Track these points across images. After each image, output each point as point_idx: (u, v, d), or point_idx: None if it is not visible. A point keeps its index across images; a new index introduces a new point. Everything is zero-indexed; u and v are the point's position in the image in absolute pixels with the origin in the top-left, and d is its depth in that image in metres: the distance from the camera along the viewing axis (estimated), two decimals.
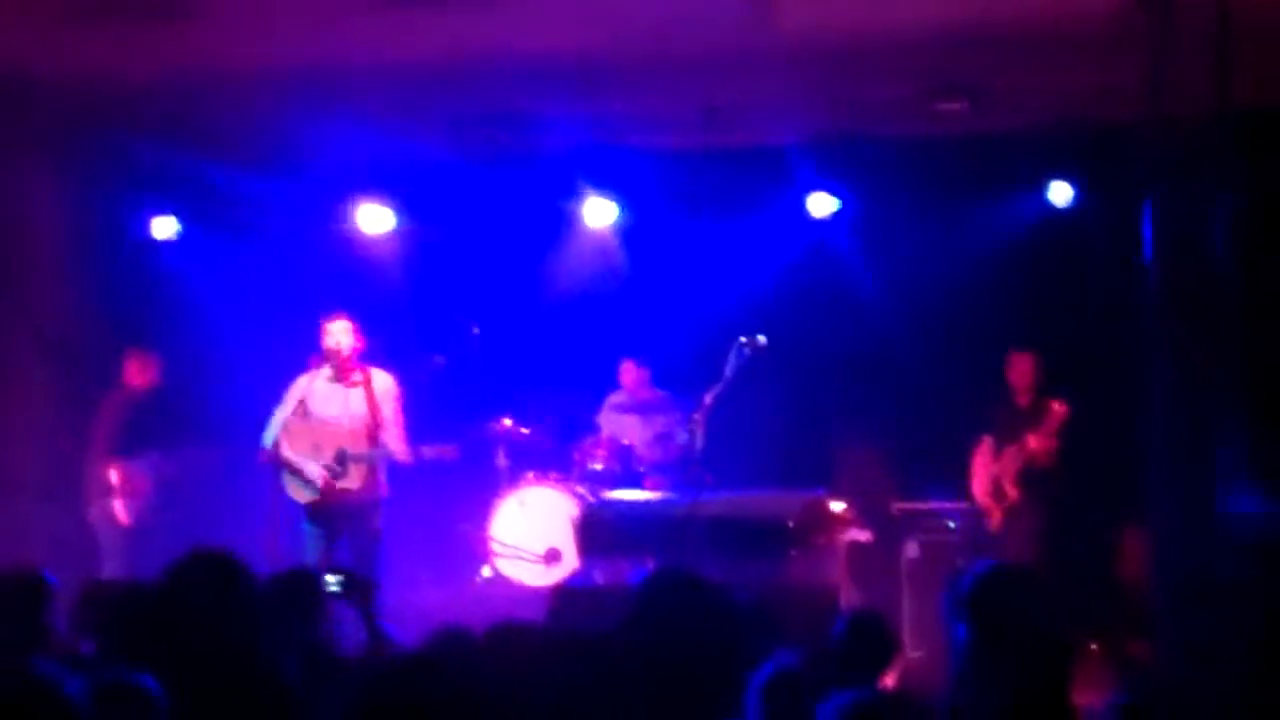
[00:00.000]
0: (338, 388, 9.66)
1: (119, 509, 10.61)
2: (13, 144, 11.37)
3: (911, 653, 9.74)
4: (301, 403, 9.59)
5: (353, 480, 9.47)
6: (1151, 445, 8.37)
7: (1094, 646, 9.45)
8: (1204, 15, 8.12)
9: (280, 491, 9.60)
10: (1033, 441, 10.16)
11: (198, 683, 3.91)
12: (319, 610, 5.78)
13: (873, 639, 5.05)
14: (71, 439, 11.13)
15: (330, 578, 6.41)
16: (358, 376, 9.70)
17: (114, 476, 10.65)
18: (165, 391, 11.30)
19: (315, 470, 9.47)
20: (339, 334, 9.62)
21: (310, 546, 9.49)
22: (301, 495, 9.53)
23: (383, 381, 9.73)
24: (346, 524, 9.54)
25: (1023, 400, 10.48)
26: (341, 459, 9.46)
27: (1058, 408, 10.17)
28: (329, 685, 4.50)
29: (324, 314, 9.80)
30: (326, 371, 9.65)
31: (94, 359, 11.99)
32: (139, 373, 10.98)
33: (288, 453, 9.52)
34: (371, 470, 9.57)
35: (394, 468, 9.82)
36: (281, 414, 9.57)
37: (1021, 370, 10.50)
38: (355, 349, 9.68)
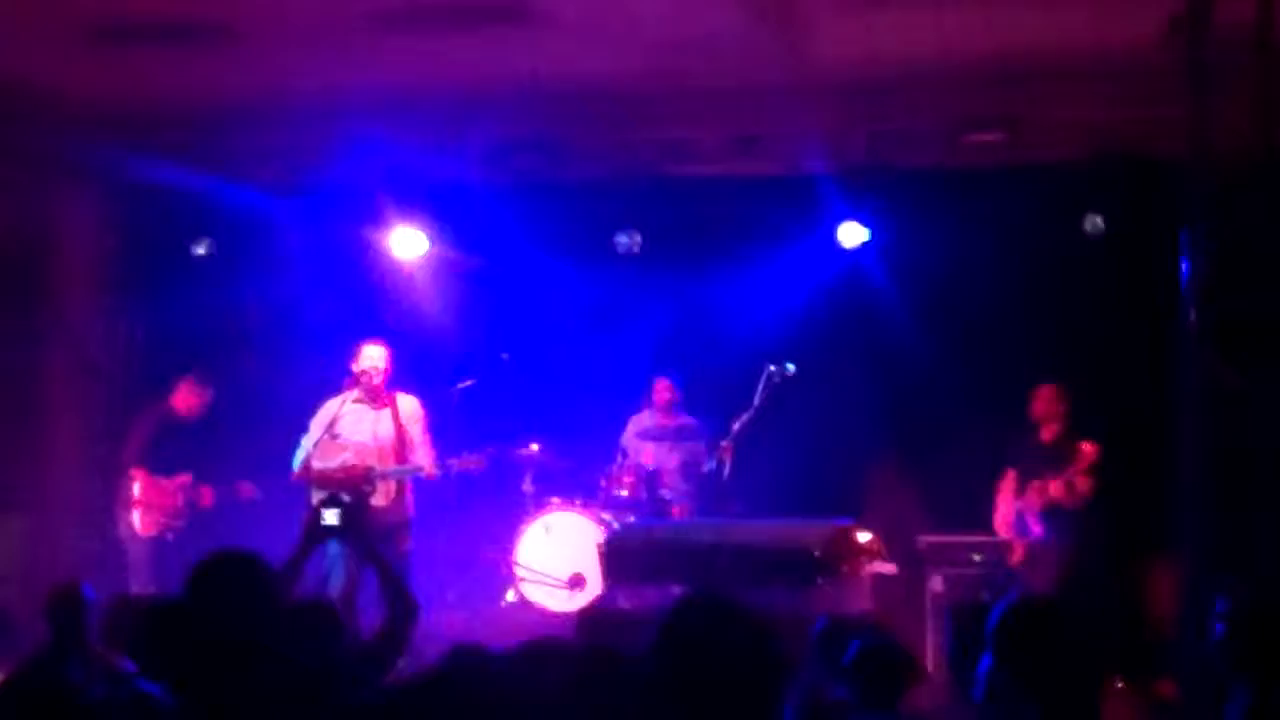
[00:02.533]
0: (366, 410, 9.69)
1: (138, 520, 10.62)
2: (48, 166, 11.45)
3: (935, 686, 9.68)
4: (330, 426, 9.62)
5: (380, 498, 9.50)
6: (1183, 481, 8.32)
7: (1120, 684, 9.36)
8: (1242, 49, 8.10)
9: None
10: (1054, 488, 10.10)
11: (223, 690, 3.89)
12: (338, 639, 5.77)
13: (888, 664, 5.02)
14: (108, 458, 11.15)
15: (327, 512, 6.33)
16: (383, 400, 9.73)
17: (135, 488, 10.66)
18: (209, 417, 11.32)
19: (348, 459, 9.47)
20: (375, 358, 9.66)
21: (338, 567, 9.48)
22: (330, 515, 9.51)
23: (408, 404, 9.79)
24: (379, 545, 9.52)
25: (1047, 434, 10.41)
26: (369, 477, 9.48)
27: (1087, 449, 10.07)
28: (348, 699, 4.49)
29: (358, 337, 9.83)
30: (355, 394, 9.67)
31: (129, 379, 12.07)
32: (187, 398, 10.97)
33: (318, 464, 9.54)
34: (399, 489, 9.58)
35: (421, 489, 9.82)
36: (309, 439, 9.62)
37: (1045, 402, 10.43)
38: (386, 374, 9.70)
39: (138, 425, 10.90)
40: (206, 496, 10.79)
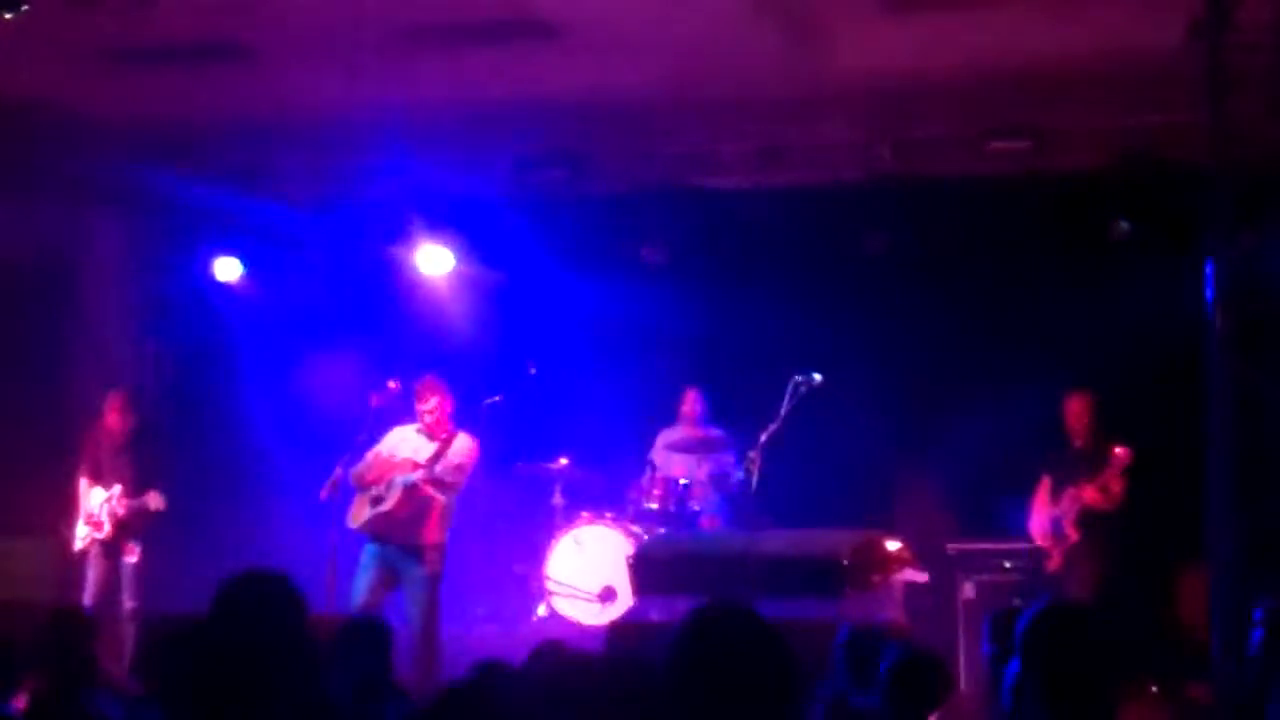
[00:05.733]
0: (423, 439, 9.77)
1: (71, 536, 10.61)
2: (75, 188, 11.51)
3: (965, 693, 9.66)
4: (392, 446, 9.75)
5: (388, 503, 9.55)
6: (1213, 487, 8.30)
7: (1153, 689, 9.34)
8: (1264, 52, 8.10)
9: (340, 528, 9.73)
10: (1088, 494, 10.09)
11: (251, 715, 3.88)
12: (386, 654, 5.79)
13: (916, 673, 5.02)
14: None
15: None
16: (443, 435, 9.78)
17: (80, 504, 10.61)
18: (172, 431, 11.31)
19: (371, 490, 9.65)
20: (430, 404, 9.73)
21: (363, 573, 9.54)
22: (355, 520, 9.68)
23: (461, 443, 9.77)
24: (403, 565, 9.58)
25: (1080, 442, 10.39)
26: (389, 485, 9.57)
27: (1119, 452, 10.05)
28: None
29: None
30: (418, 426, 9.78)
31: (156, 398, 12.12)
32: (111, 414, 10.78)
33: (357, 480, 9.67)
34: (412, 499, 9.55)
35: (458, 514, 9.83)
36: (371, 453, 9.73)
37: (1077, 413, 10.41)
38: (442, 413, 9.76)
39: (83, 445, 10.84)
40: (123, 507, 10.52)
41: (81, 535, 10.59)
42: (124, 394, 10.87)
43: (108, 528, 10.53)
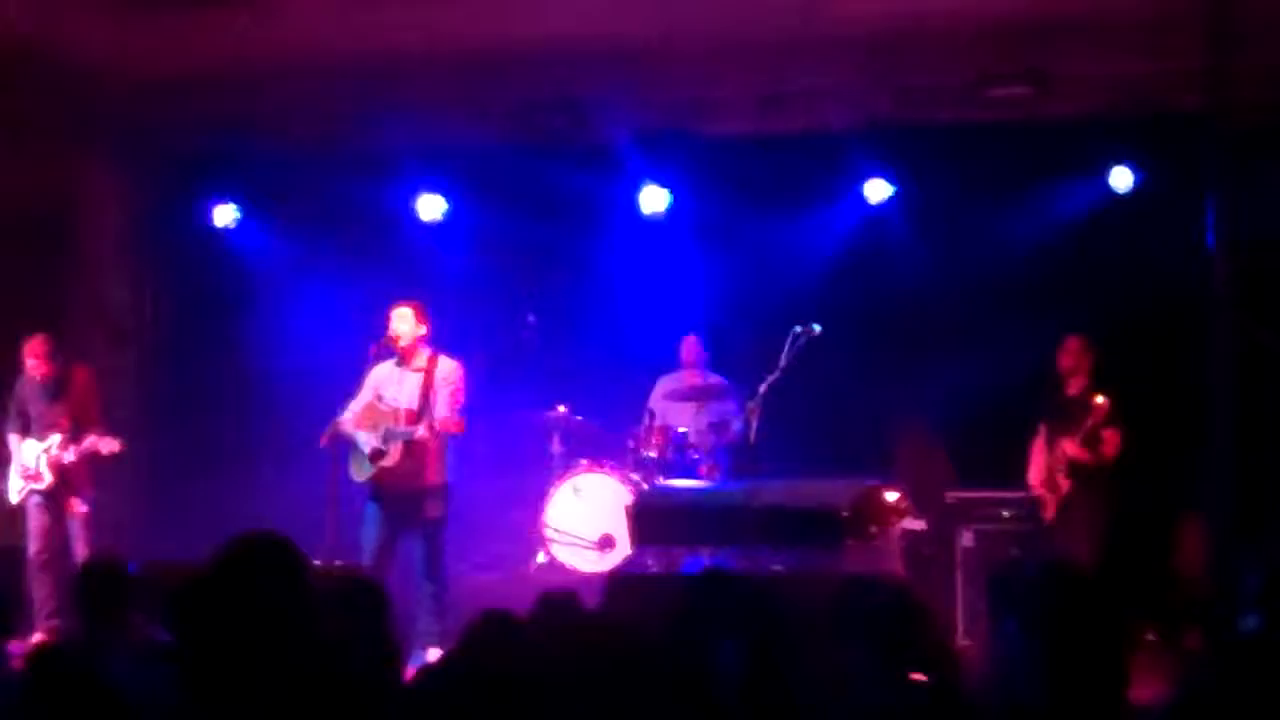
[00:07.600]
0: (401, 372, 9.70)
1: (4, 490, 10.48)
2: (73, 133, 11.47)
3: (963, 641, 9.69)
4: (377, 388, 9.67)
5: (390, 458, 9.49)
6: (1212, 434, 8.29)
7: (1151, 636, 9.36)
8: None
9: (340, 477, 9.70)
10: (1070, 447, 10.04)
11: (257, 670, 3.87)
12: (383, 612, 5.77)
13: (906, 625, 5.00)
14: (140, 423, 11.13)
15: None
16: (420, 362, 9.69)
17: (13, 458, 10.45)
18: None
19: (366, 442, 9.52)
20: (397, 320, 9.65)
21: (370, 527, 9.53)
22: (360, 474, 9.61)
23: (444, 367, 9.69)
24: (406, 510, 9.56)
25: (1073, 388, 10.31)
26: (386, 438, 9.51)
27: (1099, 402, 10.00)
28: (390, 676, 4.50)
29: (384, 301, 9.82)
30: (394, 358, 9.71)
31: (156, 345, 12.12)
32: (31, 362, 10.44)
33: (349, 427, 9.57)
34: (412, 451, 9.52)
35: (456, 454, 9.79)
36: (358, 402, 9.65)
37: (1071, 355, 10.33)
38: (419, 336, 9.67)
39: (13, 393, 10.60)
40: (72, 454, 10.24)
41: (17, 488, 10.40)
42: (43, 340, 10.47)
43: (49, 478, 10.28)
